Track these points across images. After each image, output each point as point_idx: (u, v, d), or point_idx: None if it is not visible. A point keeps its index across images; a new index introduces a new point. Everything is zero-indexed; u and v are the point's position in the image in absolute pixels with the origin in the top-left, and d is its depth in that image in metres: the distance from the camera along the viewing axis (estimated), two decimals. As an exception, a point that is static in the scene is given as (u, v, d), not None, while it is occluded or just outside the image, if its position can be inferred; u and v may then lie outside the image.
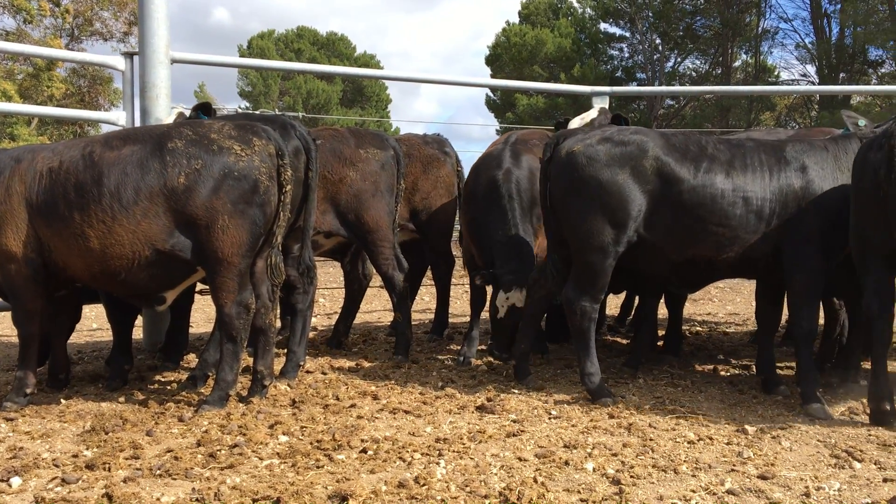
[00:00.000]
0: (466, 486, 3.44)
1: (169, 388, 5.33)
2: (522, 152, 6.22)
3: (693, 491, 3.41)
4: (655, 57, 41.14)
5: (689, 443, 4.08)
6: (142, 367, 5.90)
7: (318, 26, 60.45)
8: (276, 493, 3.32)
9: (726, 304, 10.23)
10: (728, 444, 4.07)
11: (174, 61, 6.67)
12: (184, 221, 4.48)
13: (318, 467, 3.69)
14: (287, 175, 4.70)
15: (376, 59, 50.89)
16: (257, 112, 6.76)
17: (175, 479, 3.56)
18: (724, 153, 4.93)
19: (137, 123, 6.61)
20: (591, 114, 6.66)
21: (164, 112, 6.44)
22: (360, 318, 7.67)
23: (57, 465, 3.73)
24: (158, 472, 3.62)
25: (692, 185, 4.82)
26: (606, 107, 8.46)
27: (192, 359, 6.22)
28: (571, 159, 4.91)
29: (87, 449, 3.97)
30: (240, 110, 9.35)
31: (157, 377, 5.68)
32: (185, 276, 4.78)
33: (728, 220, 4.82)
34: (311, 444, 4.02)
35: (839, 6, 36.99)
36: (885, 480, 3.55)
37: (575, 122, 6.62)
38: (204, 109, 6.10)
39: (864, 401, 4.82)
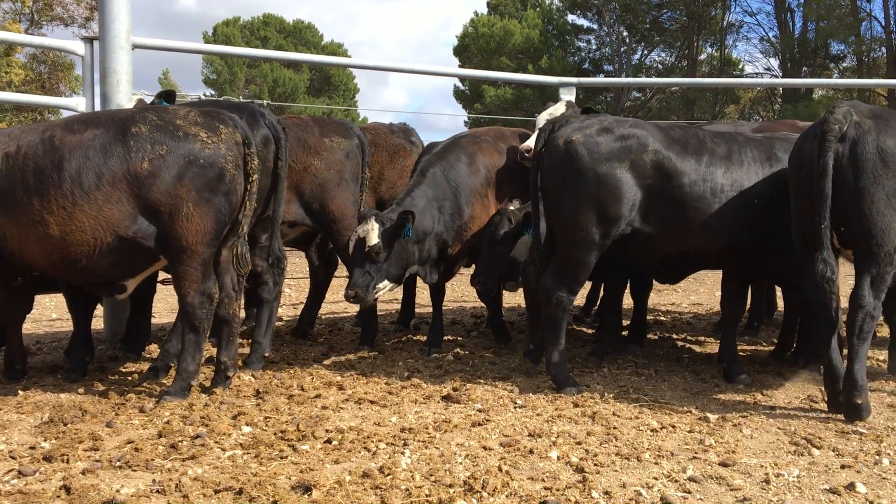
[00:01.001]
0: (431, 475, 3.44)
1: (130, 378, 5.25)
2: (465, 145, 6.22)
3: (655, 478, 3.44)
4: (622, 49, 41.38)
5: (652, 431, 4.12)
6: (102, 358, 5.80)
7: (286, 14, 59.86)
8: (239, 484, 3.28)
9: (690, 294, 10.34)
10: (690, 431, 4.11)
11: (136, 47, 6.54)
12: (147, 208, 4.39)
13: (281, 458, 3.66)
14: (254, 164, 4.63)
15: (344, 47, 50.49)
16: (223, 99, 6.68)
17: (135, 470, 3.51)
18: (722, 147, 4.99)
19: (98, 110, 6.48)
20: (559, 108, 6.67)
21: (125, 98, 6.31)
22: (325, 308, 7.61)
23: (13, 458, 3.65)
24: (118, 463, 3.56)
25: (693, 180, 4.86)
26: (573, 98, 8.50)
27: (154, 349, 6.13)
28: (570, 149, 4.84)
29: (45, 440, 3.90)
30: (203, 97, 9.22)
31: (118, 368, 5.58)
32: (148, 264, 4.69)
33: (724, 213, 4.88)
34: (274, 434, 3.98)
35: (803, 1, 37.49)
36: (843, 467, 3.62)
37: (542, 117, 6.62)
38: (167, 97, 6.00)
39: (823, 388, 4.91)
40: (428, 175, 5.90)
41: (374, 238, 5.37)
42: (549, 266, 5.05)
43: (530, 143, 6.38)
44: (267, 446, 3.79)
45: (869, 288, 4.29)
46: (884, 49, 36.59)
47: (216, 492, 3.25)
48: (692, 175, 4.86)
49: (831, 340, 4.46)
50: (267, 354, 5.61)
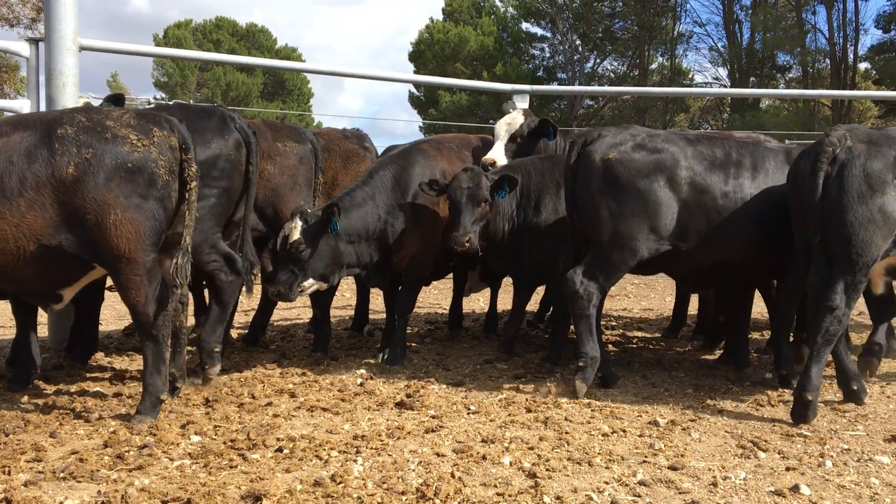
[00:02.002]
0: (384, 482, 3.42)
1: (74, 388, 5.12)
2: (425, 150, 6.21)
3: (606, 482, 3.48)
4: (575, 57, 41.90)
5: (603, 435, 4.16)
6: (46, 367, 5.65)
7: (240, 18, 58.94)
8: (187, 495, 3.23)
9: (641, 299, 10.48)
10: (640, 436, 4.17)
11: (83, 48, 6.40)
12: (73, 215, 4.11)
13: (231, 467, 3.60)
14: (191, 171, 4.36)
15: (298, 51, 50.13)
16: (190, 103, 6.58)
17: (80, 481, 3.43)
18: (748, 158, 5.19)
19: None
20: (517, 116, 6.70)
21: (72, 101, 6.17)
22: (277, 315, 7.54)
23: (-49, 471, 3.53)
24: (62, 474, 3.47)
25: (724, 192, 5.03)
26: (527, 105, 8.57)
27: (100, 358, 6.00)
28: (608, 166, 4.99)
29: (-15, 453, 3.78)
30: (152, 101, 9.08)
31: (63, 377, 5.44)
32: (80, 273, 4.45)
33: (752, 222, 5.06)
34: (224, 443, 3.93)
35: (750, 12, 38.41)
36: (787, 469, 3.70)
37: (501, 124, 6.64)
38: (115, 100, 5.89)
39: (770, 393, 5.02)
40: (376, 176, 5.82)
41: (295, 234, 5.33)
42: (580, 265, 5.12)
43: (492, 155, 6.41)
44: (216, 455, 3.73)
45: (842, 293, 4.51)
46: (828, 60, 37.68)
47: (163, 502, 3.20)
48: (723, 187, 5.04)
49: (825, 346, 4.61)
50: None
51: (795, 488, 3.41)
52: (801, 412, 4.46)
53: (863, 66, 37.70)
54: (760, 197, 5.09)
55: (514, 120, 6.65)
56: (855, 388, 4.86)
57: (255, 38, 47.98)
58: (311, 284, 5.52)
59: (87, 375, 5.44)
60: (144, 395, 4.37)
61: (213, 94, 42.04)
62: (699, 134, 5.71)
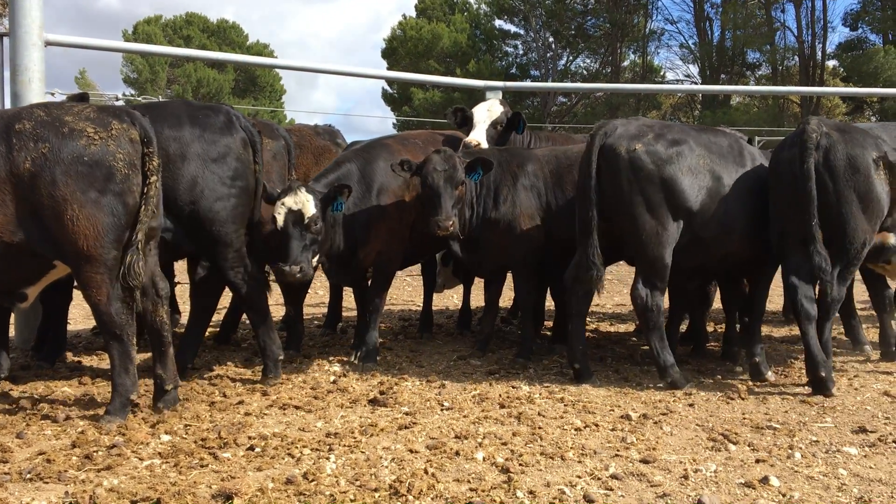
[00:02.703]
0: (356, 480, 3.41)
1: (42, 388, 5.03)
2: (389, 144, 6.18)
3: (579, 476, 3.49)
4: (549, 55, 42.05)
5: (576, 430, 4.18)
6: (13, 366, 5.55)
7: (211, 14, 58.40)
8: (157, 494, 3.19)
9: (613, 295, 10.53)
10: (613, 430, 4.19)
11: (48, 44, 6.30)
12: (32, 211, 4.04)
13: (202, 466, 3.57)
14: (153, 164, 4.26)
15: (270, 48, 49.85)
16: (195, 101, 6.50)
17: (47, 482, 3.38)
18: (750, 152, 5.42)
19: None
20: (495, 104, 6.70)
21: (38, 97, 6.07)
22: (250, 313, 7.46)
23: (-86, 473, 3.46)
24: (29, 475, 3.42)
25: (731, 182, 5.20)
26: (496, 100, 8.57)
27: (68, 357, 5.91)
28: (634, 157, 5.03)
29: (-51, 455, 3.71)
30: (121, 98, 8.97)
31: (31, 377, 5.35)
32: (44, 271, 4.39)
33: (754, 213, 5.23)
34: (195, 442, 3.89)
35: (720, 10, 38.79)
36: (757, 461, 3.74)
37: (481, 110, 6.62)
38: (80, 99, 5.80)
39: (740, 386, 5.07)
40: (342, 168, 5.76)
41: (311, 209, 5.17)
42: (638, 278, 5.14)
43: (476, 136, 6.38)
44: (187, 455, 3.69)
45: (837, 279, 4.93)
46: (796, 58, 38.19)
47: (132, 502, 3.16)
48: (730, 178, 5.20)
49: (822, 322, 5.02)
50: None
51: (765, 480, 3.45)
52: (822, 386, 4.88)
53: (831, 63, 38.30)
54: (757, 188, 5.27)
55: (493, 107, 6.66)
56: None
57: (226, 35, 47.62)
58: (317, 262, 5.42)
59: (55, 375, 5.35)
60: (114, 396, 4.29)
61: (184, 91, 41.63)
62: (702, 127, 5.93)
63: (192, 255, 5.58)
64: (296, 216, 5.16)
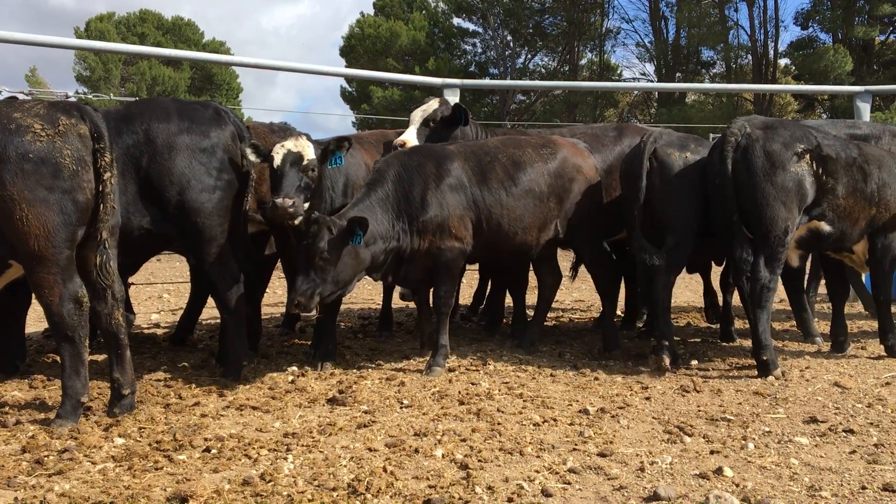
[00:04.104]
0: (314, 479, 3.38)
1: (-9, 392, 4.91)
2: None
3: (537, 471, 3.51)
4: (507, 53, 42.17)
5: (534, 425, 4.20)
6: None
7: (167, 11, 57.06)
8: (110, 498, 3.14)
9: (573, 291, 10.63)
10: (571, 424, 4.22)
11: (-5, 40, 6.15)
12: None
13: (156, 469, 3.51)
14: (105, 161, 4.17)
15: (226, 45, 49.14)
16: (187, 99, 6.37)
17: (-5, 489, 3.29)
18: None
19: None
20: (433, 104, 6.70)
21: (-16, 94, 5.92)
22: (206, 314, 7.37)
23: None
24: (-24, 483, 3.33)
25: None
26: (458, 99, 8.58)
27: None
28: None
29: None
30: (70, 96, 8.77)
31: (-22, 382, 5.21)
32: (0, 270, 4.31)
33: None
34: (149, 445, 3.82)
35: (675, 9, 39.32)
36: (712, 453, 3.79)
37: (417, 112, 6.63)
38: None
39: (696, 379, 5.15)
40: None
41: (311, 153, 5.20)
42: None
43: (405, 136, 6.35)
44: (141, 458, 3.63)
45: (764, 265, 5.25)
46: (750, 56, 38.86)
47: (84, 508, 3.09)
48: None
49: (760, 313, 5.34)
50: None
51: (719, 470, 3.50)
52: (765, 369, 5.28)
53: (783, 61, 39.03)
54: None
55: (428, 106, 6.66)
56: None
57: (181, 32, 46.88)
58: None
59: (5, 379, 5.22)
60: (64, 399, 4.19)
61: (139, 89, 40.91)
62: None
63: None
64: (294, 157, 5.16)
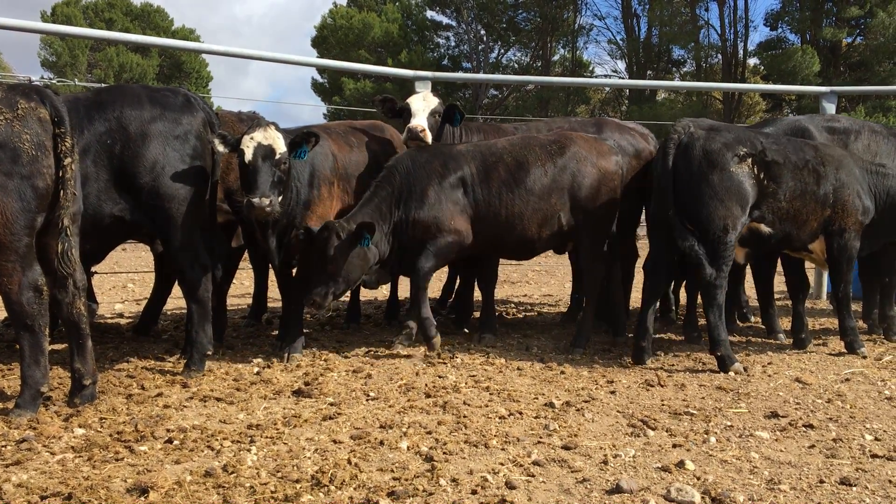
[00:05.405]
0: (278, 471, 3.36)
1: (-52, 382, 4.81)
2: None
3: (502, 464, 3.51)
4: (480, 47, 42.19)
5: (500, 418, 4.21)
6: (-84, 360, 5.30)
7: (137, -2, 56.12)
8: (68, 489, 3.08)
9: (541, 286, 10.68)
10: (536, 417, 4.24)
11: (-45, 22, 6.01)
12: None
13: (117, 460, 3.46)
14: (66, 146, 4.09)
15: (196, 33, 48.62)
16: (160, 86, 6.25)
17: (-51, 480, 3.22)
18: None
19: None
20: (429, 95, 6.66)
21: (-57, 77, 5.78)
22: (170, 304, 7.29)
23: None
24: (-71, 474, 3.26)
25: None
26: (429, 91, 8.54)
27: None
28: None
29: None
30: (34, 80, 8.61)
31: (-65, 371, 5.11)
32: None
33: None
34: (110, 435, 3.77)
35: (647, 7, 39.60)
36: (674, 446, 3.83)
37: (417, 101, 6.55)
38: None
39: (660, 374, 5.20)
40: None
41: (282, 146, 5.15)
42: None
43: (420, 122, 6.29)
44: (101, 448, 3.58)
45: (708, 263, 5.37)
46: (719, 55, 39.28)
47: (42, 498, 3.04)
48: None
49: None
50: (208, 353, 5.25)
51: (681, 464, 3.53)
52: (723, 365, 5.39)
53: (752, 61, 39.50)
54: None
55: (428, 97, 6.59)
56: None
57: (150, 19, 46.27)
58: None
59: (-38, 369, 5.12)
60: (23, 389, 4.11)
61: (106, 76, 40.29)
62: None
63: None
64: (266, 150, 5.07)
